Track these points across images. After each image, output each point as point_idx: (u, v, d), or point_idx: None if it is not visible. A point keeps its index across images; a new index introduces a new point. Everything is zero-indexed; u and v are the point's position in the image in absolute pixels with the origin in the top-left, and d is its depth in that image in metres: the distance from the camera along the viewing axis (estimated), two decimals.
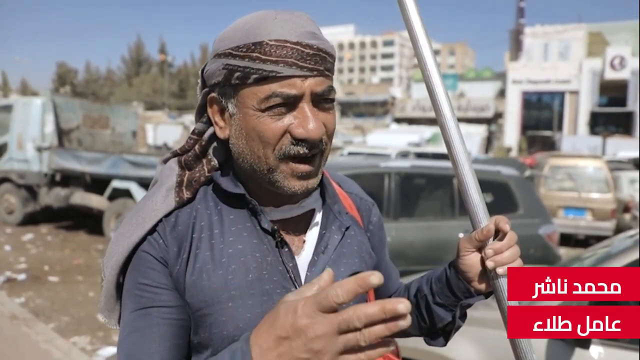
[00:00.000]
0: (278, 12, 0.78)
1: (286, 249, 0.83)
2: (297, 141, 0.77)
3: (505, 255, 0.81)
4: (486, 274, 0.85)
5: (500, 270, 0.80)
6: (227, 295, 0.79)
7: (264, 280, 0.81)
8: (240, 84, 0.77)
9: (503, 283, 0.81)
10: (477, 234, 0.83)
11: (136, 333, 0.77)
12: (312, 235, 0.88)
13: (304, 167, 0.79)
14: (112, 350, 4.03)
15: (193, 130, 0.89)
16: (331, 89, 0.79)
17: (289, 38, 0.75)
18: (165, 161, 0.91)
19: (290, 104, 0.76)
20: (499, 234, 0.83)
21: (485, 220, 0.82)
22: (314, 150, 0.78)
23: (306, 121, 0.76)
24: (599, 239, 7.66)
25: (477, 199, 0.82)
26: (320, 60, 0.76)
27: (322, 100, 0.78)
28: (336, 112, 0.86)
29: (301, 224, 0.88)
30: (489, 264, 0.81)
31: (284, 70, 0.74)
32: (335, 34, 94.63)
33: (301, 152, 0.77)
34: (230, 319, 0.78)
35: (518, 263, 0.82)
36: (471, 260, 0.85)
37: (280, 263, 0.82)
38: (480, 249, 0.84)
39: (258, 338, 0.59)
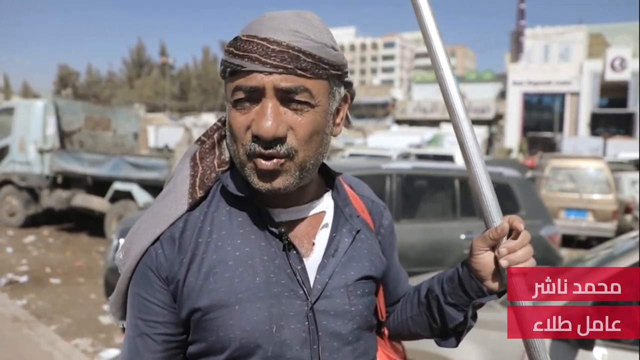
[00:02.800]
0: (276, 12, 0.79)
1: (294, 252, 0.83)
2: (254, 137, 0.76)
3: (519, 254, 0.80)
4: (499, 273, 0.84)
5: (514, 269, 0.80)
6: (234, 299, 0.79)
7: (271, 283, 0.81)
8: (224, 77, 0.80)
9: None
10: (491, 232, 0.82)
11: (130, 340, 0.84)
12: (322, 237, 0.87)
13: (263, 164, 0.77)
14: (113, 352, 4.03)
15: (220, 118, 0.91)
16: (303, 90, 0.75)
17: (258, 34, 0.75)
18: (190, 154, 0.91)
19: (254, 98, 0.76)
20: (512, 232, 0.83)
21: (498, 219, 0.82)
22: (272, 151, 0.76)
23: (262, 117, 0.75)
24: (600, 240, 7.65)
25: (490, 198, 0.82)
26: (289, 58, 0.74)
27: (293, 100, 0.76)
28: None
29: (311, 226, 0.88)
30: (503, 262, 0.81)
31: (248, 64, 0.75)
32: (336, 36, 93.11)
33: (256, 150, 0.76)
34: (237, 322, 0.78)
35: (531, 262, 0.82)
36: (484, 259, 0.85)
37: (288, 266, 0.82)
38: (493, 247, 0.84)
39: None
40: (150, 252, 0.82)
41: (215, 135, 0.90)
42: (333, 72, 0.80)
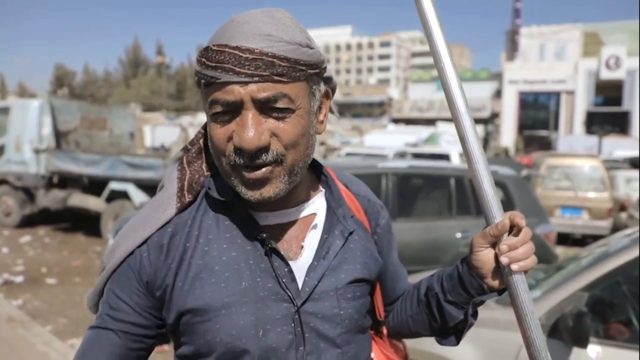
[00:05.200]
0: (243, 15, 0.76)
1: (277, 256, 0.82)
2: (237, 150, 0.75)
3: (520, 252, 0.79)
4: (500, 271, 0.83)
5: (514, 267, 0.79)
6: (220, 303, 0.79)
7: (257, 287, 0.80)
8: (199, 87, 0.79)
9: (517, 279, 0.80)
10: (491, 229, 0.81)
11: (94, 330, 0.84)
12: (311, 239, 0.86)
13: (250, 174, 0.76)
14: None
15: (204, 125, 0.90)
16: (281, 96, 0.73)
17: (229, 42, 0.73)
18: (176, 160, 0.91)
19: (233, 111, 0.74)
20: (512, 229, 0.81)
21: (499, 216, 0.81)
22: (257, 161, 0.74)
23: (243, 130, 0.73)
24: (596, 238, 7.67)
25: (491, 194, 0.80)
26: (264, 65, 0.72)
27: (273, 109, 0.74)
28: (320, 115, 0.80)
29: (301, 228, 0.87)
30: (504, 259, 0.79)
31: (222, 76, 0.72)
32: (333, 35, 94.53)
33: (240, 162, 0.75)
34: (223, 326, 0.78)
35: (532, 259, 0.80)
36: (485, 257, 0.83)
37: (272, 270, 0.81)
38: (494, 244, 0.83)
39: None
40: (136, 254, 0.83)
41: (201, 141, 0.89)
42: (311, 71, 0.77)
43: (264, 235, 0.81)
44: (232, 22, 0.76)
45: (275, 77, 0.73)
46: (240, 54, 0.72)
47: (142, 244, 0.83)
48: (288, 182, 0.79)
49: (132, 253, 0.83)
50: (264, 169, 0.76)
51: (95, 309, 0.89)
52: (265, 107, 0.74)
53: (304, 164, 0.80)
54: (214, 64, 0.73)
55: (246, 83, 0.72)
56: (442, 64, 0.81)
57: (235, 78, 0.72)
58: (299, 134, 0.77)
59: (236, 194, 0.82)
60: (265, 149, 0.74)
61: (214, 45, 0.74)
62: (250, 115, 0.73)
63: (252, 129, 0.73)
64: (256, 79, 0.72)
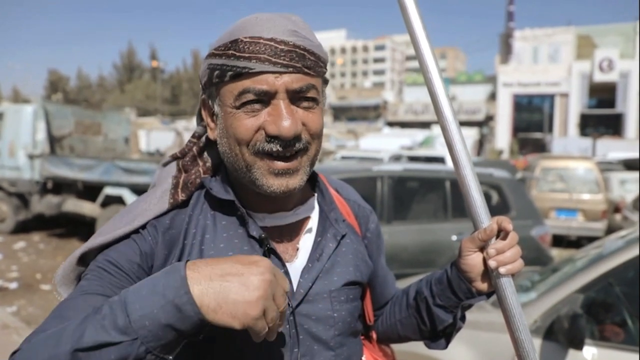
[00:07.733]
0: (264, 14, 0.78)
1: (275, 257, 0.82)
2: (271, 138, 0.75)
3: (507, 255, 0.82)
4: (488, 274, 0.85)
5: (502, 270, 0.81)
6: None
7: None
8: (219, 82, 0.78)
9: (505, 282, 0.81)
10: (480, 233, 0.83)
11: (80, 298, 0.72)
12: (306, 242, 0.87)
13: (280, 164, 0.77)
14: None
15: (193, 134, 0.90)
16: (311, 87, 0.77)
17: (263, 35, 0.74)
18: (165, 164, 0.91)
19: (264, 100, 0.75)
20: (500, 233, 0.83)
21: (487, 221, 0.83)
22: (290, 149, 0.76)
23: (279, 118, 0.74)
24: (591, 239, 7.71)
25: (478, 200, 0.83)
26: (297, 57, 0.75)
27: (302, 98, 0.77)
28: (328, 115, 0.84)
29: (296, 231, 0.88)
30: (492, 263, 0.82)
31: (256, 66, 0.73)
32: (328, 39, 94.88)
33: (274, 149, 0.76)
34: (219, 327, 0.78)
35: (519, 263, 0.82)
36: (473, 260, 0.86)
37: None
38: (482, 248, 0.85)
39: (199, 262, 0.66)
40: (140, 232, 0.79)
41: (195, 149, 0.89)
42: (325, 70, 0.82)
43: (263, 235, 0.82)
44: (256, 18, 0.77)
45: (306, 70, 0.76)
46: (276, 45, 0.74)
47: (142, 227, 0.80)
48: (308, 173, 0.81)
49: (126, 236, 0.78)
50: (295, 161, 0.78)
51: (70, 284, 0.81)
52: (296, 97, 0.76)
53: (317, 158, 0.83)
54: (247, 55, 0.74)
55: (280, 73, 0.74)
56: (430, 74, 0.83)
57: (270, 68, 0.74)
58: (322, 124, 0.81)
59: (237, 194, 0.83)
60: (299, 137, 0.77)
61: (245, 37, 0.74)
62: (284, 104, 0.75)
63: (288, 118, 0.75)
64: (290, 69, 0.75)
